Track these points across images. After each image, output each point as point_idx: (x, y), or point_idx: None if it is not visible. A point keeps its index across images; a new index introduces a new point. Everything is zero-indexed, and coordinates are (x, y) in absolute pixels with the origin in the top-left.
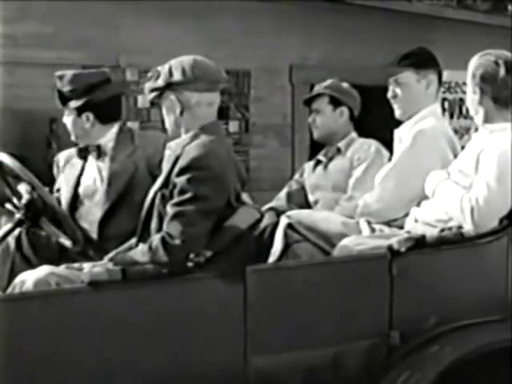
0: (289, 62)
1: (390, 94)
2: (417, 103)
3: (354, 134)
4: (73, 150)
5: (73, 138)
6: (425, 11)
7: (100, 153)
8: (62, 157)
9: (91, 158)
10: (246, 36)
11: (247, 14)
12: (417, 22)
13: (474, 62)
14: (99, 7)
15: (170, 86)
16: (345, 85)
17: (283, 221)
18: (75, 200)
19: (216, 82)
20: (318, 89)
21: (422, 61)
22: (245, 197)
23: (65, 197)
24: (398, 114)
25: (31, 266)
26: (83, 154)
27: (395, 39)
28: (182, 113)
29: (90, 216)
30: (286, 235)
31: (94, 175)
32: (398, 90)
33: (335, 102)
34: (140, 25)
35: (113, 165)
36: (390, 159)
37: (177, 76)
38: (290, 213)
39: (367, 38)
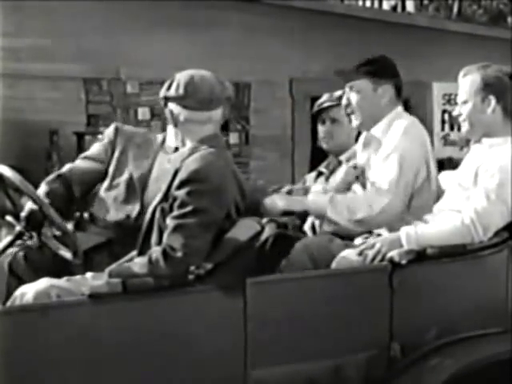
0: (289, 74)
1: (344, 102)
2: (373, 113)
3: (355, 147)
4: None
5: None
6: (425, 24)
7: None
8: (124, 131)
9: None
10: (246, 48)
11: (247, 27)
12: (417, 34)
13: (477, 73)
14: (99, 20)
15: (167, 99)
16: None
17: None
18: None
19: (207, 102)
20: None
21: (378, 69)
22: None
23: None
24: (354, 123)
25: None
26: None
27: (395, 52)
28: (176, 125)
29: None
30: None
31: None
32: (353, 98)
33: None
34: (140, 37)
35: None
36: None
37: (172, 91)
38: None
39: (367, 51)
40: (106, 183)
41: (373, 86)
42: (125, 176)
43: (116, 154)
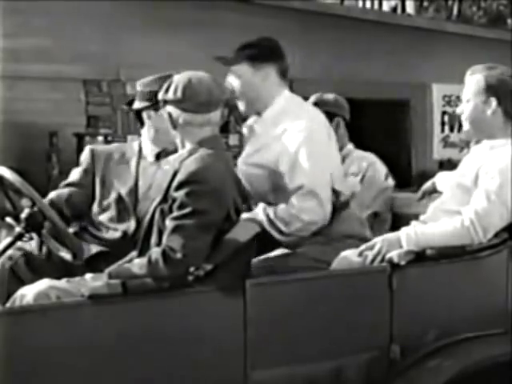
0: (289, 75)
1: (228, 87)
2: (256, 97)
3: (350, 146)
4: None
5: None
6: (425, 25)
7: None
8: (100, 152)
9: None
10: None
11: (247, 28)
12: (417, 35)
13: (482, 73)
14: (99, 22)
15: (165, 102)
16: (336, 97)
17: None
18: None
19: (205, 105)
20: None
21: (258, 53)
22: None
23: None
24: (241, 109)
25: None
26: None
27: (395, 53)
28: (175, 128)
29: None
30: None
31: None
32: (235, 83)
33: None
34: (140, 39)
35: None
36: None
37: (170, 94)
38: None
39: (368, 52)
40: (95, 208)
41: (253, 70)
42: (113, 196)
43: (98, 177)
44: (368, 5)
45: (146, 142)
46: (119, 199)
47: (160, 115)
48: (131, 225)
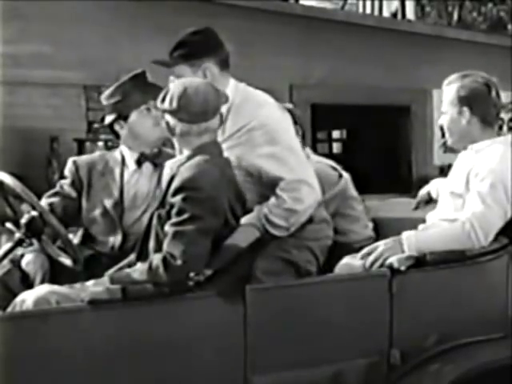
0: (289, 81)
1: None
2: None
3: (307, 150)
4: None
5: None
6: (425, 31)
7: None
8: (83, 164)
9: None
10: (245, 57)
11: (246, 35)
12: (417, 41)
13: (455, 83)
14: (100, 27)
15: (163, 111)
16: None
17: None
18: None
19: (202, 114)
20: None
21: (191, 51)
22: None
23: (109, 204)
24: None
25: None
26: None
27: (396, 58)
28: (173, 135)
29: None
30: None
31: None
32: None
33: None
34: (140, 44)
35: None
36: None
37: (166, 104)
38: None
39: (368, 58)
40: (84, 220)
41: (191, 70)
42: (98, 210)
43: (84, 189)
44: (368, 7)
45: (125, 150)
46: (105, 212)
47: (131, 122)
48: (117, 239)
